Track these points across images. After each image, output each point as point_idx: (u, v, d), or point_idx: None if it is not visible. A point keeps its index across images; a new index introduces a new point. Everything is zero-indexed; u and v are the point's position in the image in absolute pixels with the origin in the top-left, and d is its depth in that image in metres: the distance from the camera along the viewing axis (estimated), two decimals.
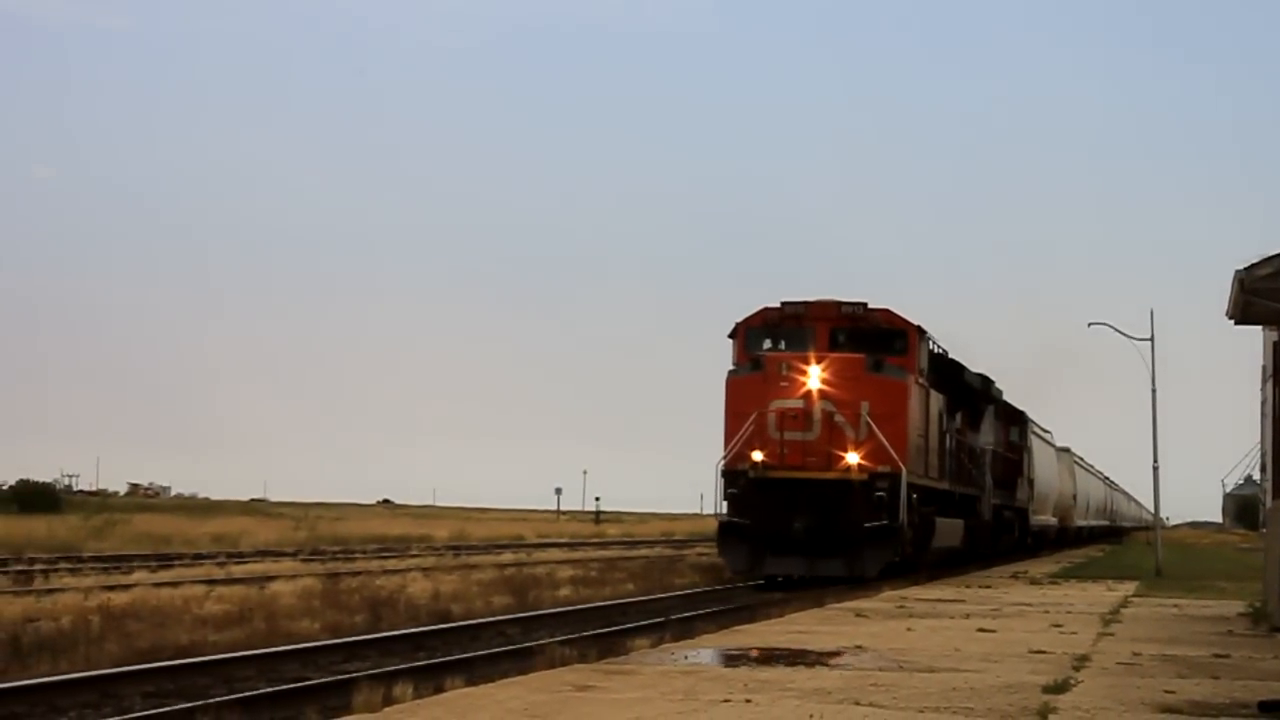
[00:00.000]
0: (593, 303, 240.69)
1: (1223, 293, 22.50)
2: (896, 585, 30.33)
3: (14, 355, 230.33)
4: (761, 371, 33.01)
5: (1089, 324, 50.06)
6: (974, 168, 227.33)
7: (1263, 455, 31.03)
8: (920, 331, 35.17)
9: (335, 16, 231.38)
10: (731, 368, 34.22)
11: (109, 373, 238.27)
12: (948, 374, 39.76)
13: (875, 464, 32.23)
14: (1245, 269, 21.23)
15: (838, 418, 32.39)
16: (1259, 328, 26.88)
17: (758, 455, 32.25)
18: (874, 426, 32.25)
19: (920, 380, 35.01)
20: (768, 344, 34.34)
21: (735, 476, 32.53)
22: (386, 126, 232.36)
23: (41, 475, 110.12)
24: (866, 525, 31.89)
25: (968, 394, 42.78)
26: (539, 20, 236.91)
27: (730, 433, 32.93)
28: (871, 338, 34.22)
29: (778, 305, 34.70)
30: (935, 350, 37.98)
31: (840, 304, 34.55)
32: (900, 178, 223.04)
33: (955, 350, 41.07)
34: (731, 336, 34.84)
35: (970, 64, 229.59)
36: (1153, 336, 47.48)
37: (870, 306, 34.58)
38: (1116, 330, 48.64)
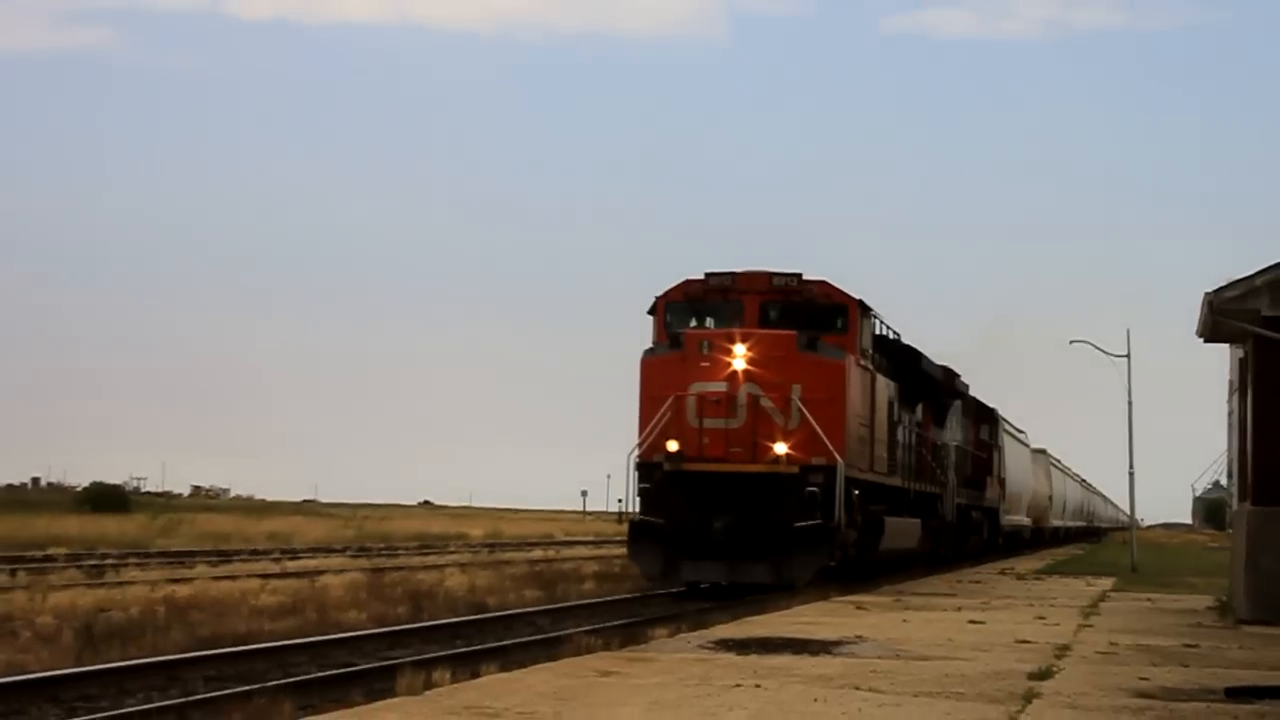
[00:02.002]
0: (616, 315, 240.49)
1: (1193, 313, 22.54)
2: (894, 580, 30.08)
3: (87, 368, 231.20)
4: (680, 351, 27.03)
5: (1070, 341, 50.07)
6: (963, 190, 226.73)
7: (1229, 462, 31.08)
8: (863, 307, 28.93)
9: (347, 41, 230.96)
10: (649, 347, 28.36)
11: (174, 384, 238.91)
12: (901, 360, 33.53)
13: (807, 455, 26.24)
14: (1214, 291, 21.30)
15: (765, 403, 26.41)
16: (1226, 345, 26.93)
17: (673, 445, 26.45)
18: (806, 413, 26.25)
19: (863, 362, 28.76)
20: (692, 321, 28.57)
21: (649, 469, 26.73)
22: (419, 145, 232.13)
23: (112, 478, 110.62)
24: (796, 525, 25.94)
25: (927, 385, 36.51)
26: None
27: (645, 420, 27.08)
28: (807, 313, 28.18)
29: (701, 277, 28.67)
30: (885, 333, 32.27)
31: (771, 275, 28.50)
32: (890, 191, 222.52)
33: (935, 353, 36.70)
34: (651, 313, 28.94)
35: (957, 91, 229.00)
36: (1129, 353, 47.55)
37: (806, 278, 28.53)
38: (1096, 347, 48.66)
